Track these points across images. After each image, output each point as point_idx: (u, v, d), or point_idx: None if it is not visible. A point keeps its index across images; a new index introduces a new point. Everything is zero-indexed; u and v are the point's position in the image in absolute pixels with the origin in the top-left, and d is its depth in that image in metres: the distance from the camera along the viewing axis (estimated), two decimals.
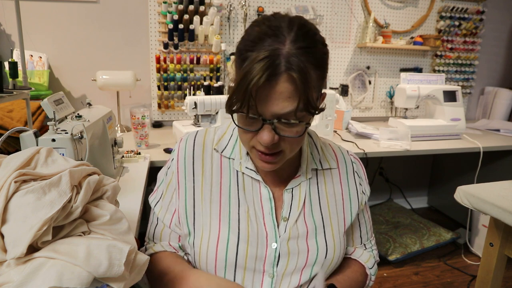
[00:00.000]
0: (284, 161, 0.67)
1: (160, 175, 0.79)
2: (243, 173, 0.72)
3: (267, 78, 0.54)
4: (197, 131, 0.78)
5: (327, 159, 0.78)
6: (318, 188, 0.75)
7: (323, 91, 0.65)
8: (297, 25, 0.58)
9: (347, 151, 0.83)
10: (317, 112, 0.60)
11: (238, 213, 0.69)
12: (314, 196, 0.74)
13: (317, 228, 0.72)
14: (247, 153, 0.73)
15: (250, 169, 0.72)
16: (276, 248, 0.68)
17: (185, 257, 0.75)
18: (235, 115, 0.62)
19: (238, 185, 0.72)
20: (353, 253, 0.82)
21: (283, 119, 0.58)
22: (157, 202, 0.77)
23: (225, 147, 0.74)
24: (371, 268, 0.81)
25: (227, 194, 0.71)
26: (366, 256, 0.82)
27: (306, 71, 0.55)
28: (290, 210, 0.71)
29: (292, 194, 0.73)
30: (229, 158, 0.74)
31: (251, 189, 0.72)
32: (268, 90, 0.55)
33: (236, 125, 0.63)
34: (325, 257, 0.70)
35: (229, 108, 0.59)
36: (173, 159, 0.75)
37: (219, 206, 0.70)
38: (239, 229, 0.68)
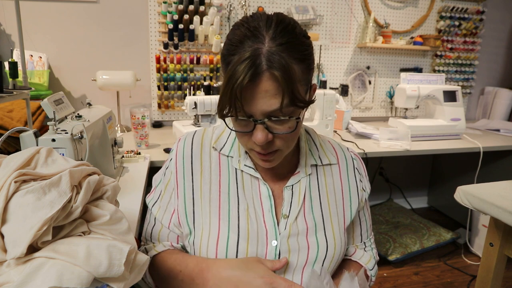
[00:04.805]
0: (283, 157, 0.68)
1: (157, 176, 0.78)
2: (242, 170, 0.72)
3: (250, 78, 0.55)
4: (195, 130, 0.78)
5: (326, 155, 0.78)
6: (318, 183, 0.75)
7: (313, 82, 0.65)
8: (275, 22, 0.58)
9: (347, 148, 0.83)
10: (305, 105, 0.60)
11: (238, 211, 0.69)
12: (314, 192, 0.74)
13: (317, 225, 0.71)
14: (246, 151, 0.73)
15: (249, 167, 0.72)
16: (276, 245, 0.68)
17: None
18: (228, 120, 0.62)
19: (237, 183, 0.72)
20: (353, 254, 0.82)
21: (273, 117, 0.59)
22: (155, 203, 0.76)
23: (224, 145, 0.74)
24: (371, 270, 0.81)
25: (227, 192, 0.71)
26: (366, 257, 0.82)
27: (288, 67, 0.55)
28: (290, 207, 0.71)
29: (292, 191, 0.73)
30: (228, 156, 0.74)
31: (250, 186, 0.72)
32: (252, 90, 0.56)
33: (231, 129, 0.64)
34: (326, 254, 0.70)
35: (220, 113, 0.59)
36: (171, 159, 0.75)
37: (219, 204, 0.70)
38: (238, 228, 0.68)
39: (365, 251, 0.84)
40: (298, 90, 0.58)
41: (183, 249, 0.75)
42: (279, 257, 0.68)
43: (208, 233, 0.68)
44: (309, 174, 0.74)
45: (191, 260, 0.68)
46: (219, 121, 1.73)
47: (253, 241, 0.67)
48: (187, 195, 0.72)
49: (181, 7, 2.01)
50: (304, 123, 0.76)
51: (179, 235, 0.74)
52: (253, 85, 0.56)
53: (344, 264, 0.79)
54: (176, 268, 0.68)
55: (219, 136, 0.75)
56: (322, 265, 0.70)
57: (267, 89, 0.56)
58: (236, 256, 0.67)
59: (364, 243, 0.84)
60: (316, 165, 0.76)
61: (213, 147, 0.74)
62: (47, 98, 0.93)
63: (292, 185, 0.73)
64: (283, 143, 0.63)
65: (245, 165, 0.72)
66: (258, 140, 0.60)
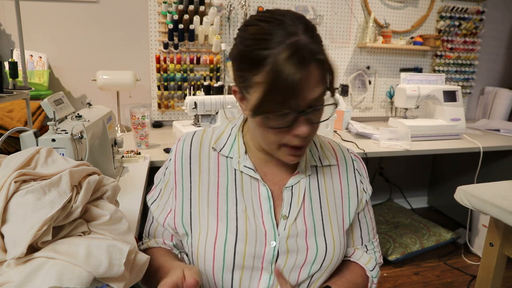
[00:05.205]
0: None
1: (158, 175, 0.79)
2: (241, 171, 0.72)
3: (300, 70, 0.56)
4: (195, 131, 0.78)
5: (326, 156, 0.77)
6: (318, 184, 0.75)
7: None
8: (296, 17, 0.60)
9: (347, 149, 0.82)
10: (334, 93, 0.63)
11: (236, 212, 0.69)
12: (314, 192, 0.74)
13: (316, 227, 0.71)
14: (245, 152, 0.73)
15: (249, 168, 0.72)
16: (275, 246, 0.68)
17: (179, 256, 0.75)
18: (260, 119, 0.62)
19: (236, 184, 0.71)
20: (352, 255, 0.81)
21: (315, 106, 0.60)
22: (154, 201, 0.77)
23: (224, 146, 0.74)
24: (371, 270, 0.79)
25: (225, 193, 0.71)
26: (366, 258, 0.80)
27: (325, 55, 0.59)
28: (289, 208, 0.71)
29: (292, 191, 0.72)
30: (227, 157, 0.73)
31: (249, 187, 0.71)
32: (302, 81, 0.57)
33: (266, 128, 0.63)
34: (325, 256, 0.70)
35: (259, 110, 0.59)
36: (170, 159, 0.75)
37: (217, 205, 0.70)
38: (237, 228, 0.68)
39: (366, 254, 0.81)
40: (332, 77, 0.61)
41: (175, 247, 0.76)
42: (277, 258, 0.68)
43: (206, 234, 0.68)
44: (309, 175, 0.74)
45: (164, 264, 0.68)
46: (219, 121, 1.73)
47: (251, 242, 0.67)
48: (185, 196, 0.72)
49: (181, 7, 2.01)
50: None
51: (173, 234, 0.74)
52: (303, 77, 0.57)
53: (342, 265, 0.78)
54: (154, 266, 0.69)
55: (219, 137, 0.75)
56: (320, 267, 0.70)
57: (313, 79, 0.58)
58: (234, 257, 0.66)
59: (366, 246, 0.82)
60: (316, 166, 0.76)
61: (212, 148, 0.74)
62: (47, 98, 0.93)
63: (292, 186, 0.73)
64: (314, 134, 0.65)
65: (244, 166, 0.72)
66: (302, 133, 0.61)
